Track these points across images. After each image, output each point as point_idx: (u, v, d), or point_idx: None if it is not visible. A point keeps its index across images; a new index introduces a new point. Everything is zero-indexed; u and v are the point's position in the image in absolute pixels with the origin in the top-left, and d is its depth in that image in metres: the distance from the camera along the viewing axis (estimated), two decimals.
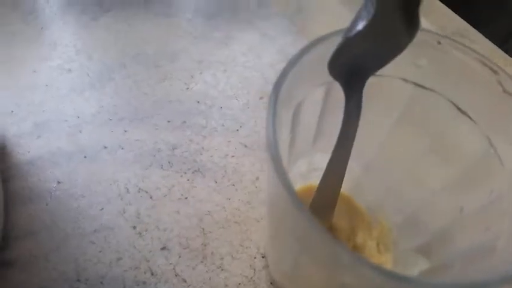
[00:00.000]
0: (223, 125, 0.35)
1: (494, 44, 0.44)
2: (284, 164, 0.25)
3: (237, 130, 0.35)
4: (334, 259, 0.17)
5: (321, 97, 0.23)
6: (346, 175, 0.27)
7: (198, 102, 0.37)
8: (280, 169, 0.16)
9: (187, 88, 0.38)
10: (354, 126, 0.22)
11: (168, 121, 0.35)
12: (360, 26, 0.17)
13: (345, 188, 0.29)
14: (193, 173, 0.33)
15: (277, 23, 0.43)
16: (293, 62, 0.19)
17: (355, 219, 0.30)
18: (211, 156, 0.34)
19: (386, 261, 0.28)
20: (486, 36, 0.44)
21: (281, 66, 0.18)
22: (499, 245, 0.20)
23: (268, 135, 0.17)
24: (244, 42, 0.42)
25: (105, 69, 0.38)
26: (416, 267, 0.26)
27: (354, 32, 0.18)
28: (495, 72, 0.20)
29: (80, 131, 0.34)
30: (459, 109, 0.22)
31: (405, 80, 0.23)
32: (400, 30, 0.18)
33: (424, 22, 0.41)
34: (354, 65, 0.19)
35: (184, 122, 0.35)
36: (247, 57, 0.41)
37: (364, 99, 0.22)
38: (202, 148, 0.34)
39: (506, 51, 0.43)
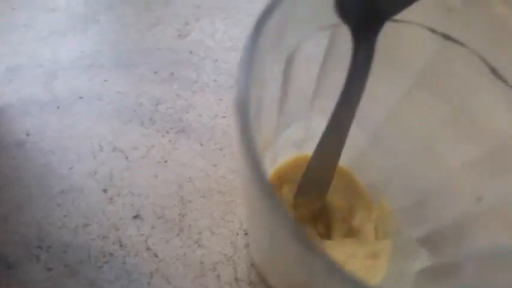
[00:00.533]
0: (215, 81, 0.31)
1: None
2: (269, 129, 0.21)
3: (231, 87, 0.31)
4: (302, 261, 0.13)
5: (322, 45, 0.20)
6: (347, 145, 0.24)
7: (191, 52, 0.33)
8: (250, 146, 0.12)
9: (180, 35, 0.34)
10: (361, 85, 0.18)
11: (155, 72, 0.32)
12: None
13: (345, 160, 0.26)
14: (176, 133, 0.29)
15: None
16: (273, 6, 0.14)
17: (353, 198, 0.27)
18: (199, 115, 0.30)
19: (383, 249, 0.25)
20: None
21: None
22: None
23: (239, 93, 0.12)
24: None
25: (91, 10, 0.34)
26: (417, 262, 0.23)
27: None
28: None
29: (56, 78, 0.31)
30: (495, 72, 0.18)
31: (432, 30, 0.19)
32: None
33: None
34: (368, 4, 0.17)
35: (173, 73, 0.32)
36: (252, 3, 0.36)
37: (376, 50, 0.19)
38: (190, 105, 0.30)
39: None
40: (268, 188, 0.11)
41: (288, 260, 0.17)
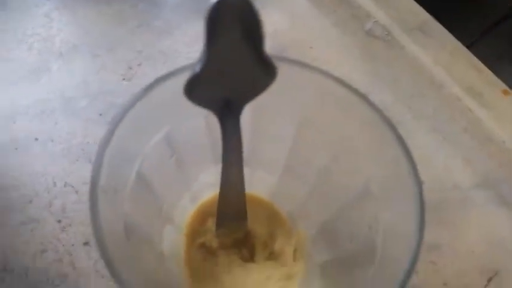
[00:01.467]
0: None
1: (462, 43, 0.48)
2: (170, 184, 0.29)
3: None
4: None
5: (201, 119, 0.27)
6: (263, 183, 0.33)
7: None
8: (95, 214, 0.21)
9: (124, 79, 0.43)
10: (237, 150, 0.25)
11: (100, 114, 0.40)
12: (198, 67, 0.20)
13: (266, 194, 0.34)
14: None
15: None
16: (135, 99, 0.23)
17: (275, 225, 0.35)
18: None
19: (299, 271, 0.33)
20: (454, 35, 0.48)
21: None
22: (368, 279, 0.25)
23: (90, 190, 0.22)
24: (188, 31, 0.46)
25: (42, 60, 0.43)
26: (314, 284, 0.31)
27: (194, 72, 0.20)
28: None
29: (14, 122, 0.40)
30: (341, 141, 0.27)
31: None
32: (252, 71, 0.21)
33: (383, 16, 0.46)
34: (217, 98, 0.22)
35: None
36: (191, 47, 0.45)
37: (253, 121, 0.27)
38: None
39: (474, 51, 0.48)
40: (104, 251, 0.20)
41: None
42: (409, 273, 0.21)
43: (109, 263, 0.20)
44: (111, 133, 0.21)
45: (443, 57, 0.46)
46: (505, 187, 0.39)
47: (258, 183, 0.30)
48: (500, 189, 0.39)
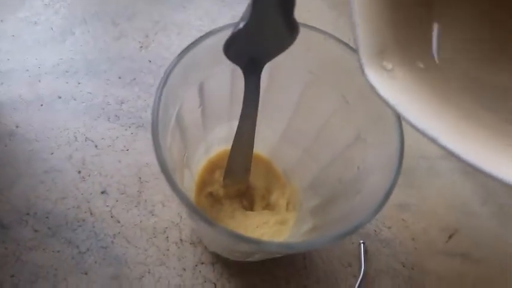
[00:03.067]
0: None
1: None
2: (195, 133, 0.28)
3: None
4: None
5: (228, 74, 0.26)
6: (264, 141, 0.31)
7: (150, 61, 0.39)
8: (159, 151, 0.19)
9: (141, 47, 0.40)
10: (255, 104, 0.24)
11: (119, 77, 0.38)
12: (241, 24, 0.20)
13: (265, 152, 0.33)
14: (137, 127, 0.36)
15: None
16: (190, 47, 0.22)
17: (272, 181, 0.34)
18: None
19: (291, 218, 0.32)
20: None
21: None
22: (351, 214, 0.23)
23: (153, 117, 0.20)
24: (200, 6, 0.43)
25: (67, 23, 0.40)
26: (305, 226, 0.29)
27: (237, 29, 0.20)
28: None
29: (39, 81, 0.37)
30: (343, 96, 0.26)
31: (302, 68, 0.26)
32: (280, 32, 0.21)
33: None
34: (246, 55, 0.22)
35: (134, 79, 0.38)
36: (203, 21, 0.42)
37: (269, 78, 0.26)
38: (148, 105, 0.37)
39: None
40: (172, 181, 0.19)
41: (198, 227, 0.24)
42: (390, 191, 0.20)
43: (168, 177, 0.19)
44: (166, 76, 0.21)
45: None
46: None
47: (260, 141, 0.28)
48: None
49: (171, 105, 0.23)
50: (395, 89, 0.18)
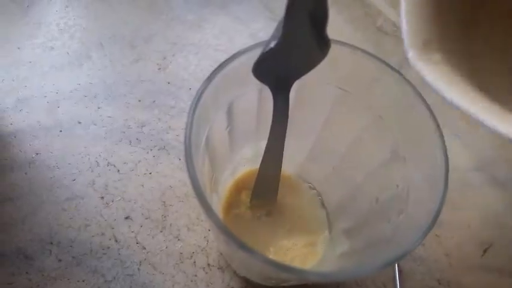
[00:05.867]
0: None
1: None
2: (222, 154, 0.28)
3: None
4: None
5: (256, 94, 0.26)
6: (291, 159, 0.31)
7: (169, 83, 0.39)
8: (193, 175, 0.19)
9: (160, 69, 0.40)
10: (284, 124, 0.24)
11: (139, 100, 0.38)
12: (272, 44, 0.20)
13: (293, 170, 0.33)
14: (159, 150, 0.36)
15: (251, 7, 0.45)
16: (220, 68, 0.22)
17: (299, 200, 0.33)
18: (177, 135, 0.37)
19: (321, 239, 0.32)
20: None
21: None
22: (394, 235, 0.23)
23: (185, 140, 0.20)
24: (217, 25, 0.44)
25: (84, 48, 0.41)
26: (339, 248, 0.29)
27: (267, 48, 0.20)
28: (405, 80, 0.23)
29: (58, 107, 0.37)
30: (375, 112, 0.25)
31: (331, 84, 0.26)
32: (311, 49, 0.21)
33: (393, 13, 0.43)
34: (275, 74, 0.22)
35: (154, 101, 0.38)
36: (220, 40, 0.43)
37: (297, 95, 0.25)
38: (169, 127, 0.37)
39: None
40: (205, 202, 0.19)
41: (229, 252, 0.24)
42: (438, 211, 0.20)
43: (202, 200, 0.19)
44: (197, 99, 0.21)
45: None
46: (498, 170, 0.38)
47: (286, 159, 0.28)
48: (494, 172, 0.38)
49: (202, 128, 0.23)
50: (441, 75, 0.19)
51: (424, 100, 0.22)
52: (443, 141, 0.22)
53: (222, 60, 0.22)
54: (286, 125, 0.25)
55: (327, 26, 0.19)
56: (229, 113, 0.26)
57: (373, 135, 0.26)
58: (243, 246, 0.19)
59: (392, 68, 0.23)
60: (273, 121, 0.24)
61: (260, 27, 0.44)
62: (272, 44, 0.20)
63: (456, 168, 0.37)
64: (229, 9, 0.45)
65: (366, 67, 0.24)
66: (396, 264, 0.33)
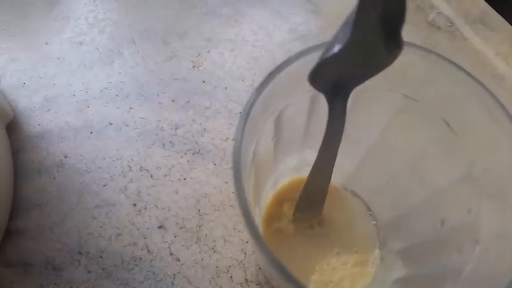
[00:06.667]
0: (226, 107, 0.36)
1: None
2: (267, 166, 0.26)
3: (240, 113, 0.36)
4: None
5: (307, 101, 0.24)
6: (340, 170, 0.28)
7: (204, 82, 0.37)
8: (242, 195, 0.17)
9: (194, 67, 0.38)
10: (339, 133, 0.22)
11: (173, 100, 0.36)
12: (336, 48, 0.18)
13: (341, 182, 0.31)
14: (193, 154, 0.34)
15: (291, 0, 0.43)
16: (271, 77, 0.20)
17: (347, 214, 0.31)
18: (213, 139, 0.35)
19: (371, 259, 0.30)
20: None
21: (292, 46, 0.20)
22: (466, 271, 0.20)
23: (234, 162, 0.18)
24: (254, 19, 0.41)
25: (114, 44, 0.39)
26: (394, 272, 0.27)
27: (330, 53, 0.18)
28: (488, 92, 0.20)
29: (88, 106, 0.36)
30: (447, 124, 0.23)
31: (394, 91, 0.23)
32: (380, 52, 0.18)
33: (446, 7, 0.40)
34: (334, 81, 0.20)
35: (189, 101, 0.36)
36: (257, 35, 0.41)
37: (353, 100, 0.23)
38: (204, 129, 0.35)
39: None
40: (249, 218, 0.17)
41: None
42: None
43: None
44: (247, 114, 0.19)
45: (504, 49, 0.40)
46: None
47: (335, 170, 0.26)
48: None
49: (250, 143, 0.21)
50: None
51: (501, 104, 0.20)
52: None
53: (260, 57, 0.20)
54: (341, 136, 0.22)
55: (402, 28, 0.17)
56: (277, 123, 0.24)
57: (442, 150, 0.24)
58: (293, 280, 0.17)
59: (471, 77, 0.21)
60: (326, 131, 0.22)
61: (301, 21, 0.41)
62: (336, 49, 0.18)
63: None
64: (267, 1, 0.43)
65: (440, 74, 0.21)
66: None
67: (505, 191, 0.20)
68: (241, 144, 0.18)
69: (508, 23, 0.42)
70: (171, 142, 0.35)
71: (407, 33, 0.41)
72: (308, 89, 0.21)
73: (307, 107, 0.24)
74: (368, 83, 0.20)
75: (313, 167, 0.25)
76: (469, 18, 0.42)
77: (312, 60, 0.19)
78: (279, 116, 0.23)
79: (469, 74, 0.20)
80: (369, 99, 0.24)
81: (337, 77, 0.20)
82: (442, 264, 0.23)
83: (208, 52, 0.39)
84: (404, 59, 0.20)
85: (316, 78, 0.19)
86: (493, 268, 0.19)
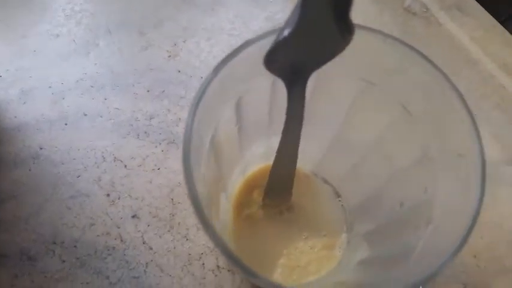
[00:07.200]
0: None
1: (498, 20, 0.43)
2: (231, 153, 0.27)
3: None
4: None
5: (268, 87, 0.24)
6: (307, 156, 0.29)
7: (179, 71, 0.38)
8: (190, 179, 0.18)
9: (170, 56, 0.39)
10: (299, 118, 0.23)
11: (148, 90, 0.37)
12: (287, 31, 0.18)
13: (309, 168, 0.32)
14: (168, 143, 0.35)
15: None
16: (225, 60, 0.20)
17: (315, 199, 0.32)
18: None
19: (339, 242, 0.30)
20: (490, 12, 0.43)
21: None
22: (418, 247, 0.21)
23: (184, 148, 0.18)
24: (231, 8, 0.42)
25: (91, 35, 0.40)
26: (358, 254, 0.28)
27: (281, 36, 0.18)
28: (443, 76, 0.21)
29: (63, 98, 0.36)
30: (404, 108, 0.23)
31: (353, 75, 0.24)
32: (331, 35, 0.19)
33: None
34: (290, 65, 0.20)
35: (164, 91, 0.37)
36: (234, 24, 0.41)
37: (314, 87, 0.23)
38: (179, 119, 0.36)
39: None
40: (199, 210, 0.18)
41: None
42: (473, 223, 0.19)
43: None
44: (199, 97, 0.20)
45: (478, 35, 0.40)
46: None
47: (302, 156, 0.26)
48: None
49: (206, 129, 0.22)
50: None
51: (458, 91, 0.20)
52: (479, 139, 0.20)
53: (236, 45, 0.20)
54: (302, 121, 0.23)
55: (351, 10, 0.17)
56: (238, 108, 0.24)
57: (401, 131, 0.25)
58: (247, 270, 0.18)
59: (423, 56, 0.21)
60: (287, 116, 0.23)
61: (278, 10, 0.42)
62: (286, 32, 0.18)
63: (487, 163, 0.35)
64: None
65: (393, 55, 0.22)
66: None
67: (457, 171, 0.21)
68: (191, 129, 0.19)
69: (483, 8, 0.43)
70: (145, 132, 0.35)
71: (384, 19, 0.41)
72: (269, 75, 0.21)
73: (269, 93, 0.25)
74: (327, 69, 0.21)
75: (277, 152, 0.25)
76: (444, 4, 0.42)
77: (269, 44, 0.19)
78: (239, 102, 0.24)
79: (420, 53, 0.21)
80: (330, 85, 0.24)
81: (292, 61, 0.20)
82: (401, 243, 0.24)
83: (184, 42, 0.40)
84: (362, 43, 0.21)
85: (271, 62, 0.20)
86: (442, 243, 0.19)
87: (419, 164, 0.24)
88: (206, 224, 0.18)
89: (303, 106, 0.22)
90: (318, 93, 0.25)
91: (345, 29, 0.18)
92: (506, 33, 0.42)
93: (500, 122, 0.38)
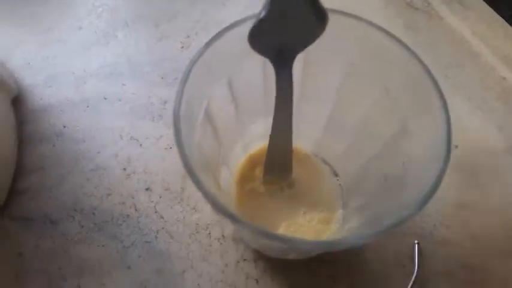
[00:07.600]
0: None
1: (499, 13, 0.45)
2: (229, 128, 0.29)
3: None
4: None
5: (259, 68, 0.26)
6: (307, 136, 0.32)
7: None
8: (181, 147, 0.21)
9: (183, 47, 0.42)
10: (288, 96, 0.25)
11: (162, 77, 0.40)
12: (262, 13, 0.21)
13: (309, 147, 0.34)
14: None
15: None
16: (208, 43, 0.23)
17: (316, 177, 0.34)
18: None
19: (336, 217, 0.32)
20: (492, 7, 0.45)
21: None
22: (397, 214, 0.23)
23: (174, 113, 0.21)
24: (241, 2, 0.45)
25: (110, 27, 0.44)
26: (348, 225, 0.30)
27: (258, 18, 0.21)
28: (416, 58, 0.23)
29: (85, 83, 0.40)
30: (386, 87, 0.26)
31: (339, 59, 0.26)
32: (306, 20, 0.21)
33: None
34: (273, 46, 0.23)
35: (176, 78, 0.40)
36: (243, 17, 0.44)
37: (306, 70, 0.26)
38: None
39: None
40: (196, 180, 0.20)
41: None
42: (437, 182, 0.20)
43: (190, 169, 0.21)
44: (188, 71, 0.22)
45: (480, 28, 0.43)
46: None
47: (302, 136, 0.30)
48: None
49: (197, 101, 0.24)
50: None
51: (429, 72, 0.23)
52: (446, 111, 0.22)
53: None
54: (291, 99, 0.25)
55: None
56: (231, 86, 0.26)
57: (382, 109, 0.27)
58: (228, 214, 0.19)
59: (398, 41, 0.23)
60: (276, 96, 0.25)
61: None
62: (262, 15, 0.21)
63: (488, 151, 0.37)
64: None
65: (373, 39, 0.24)
66: (416, 245, 0.33)
67: (430, 139, 0.23)
68: (180, 101, 0.21)
69: (484, 2, 0.45)
70: (160, 115, 0.39)
71: (387, 13, 0.44)
72: (258, 56, 0.23)
73: (261, 73, 0.27)
74: (315, 51, 0.23)
75: (272, 131, 0.27)
76: None
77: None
78: (230, 80, 0.26)
79: (395, 37, 0.23)
80: (319, 66, 0.27)
81: (275, 41, 0.22)
82: (380, 211, 0.26)
83: (196, 34, 0.43)
84: (343, 27, 0.24)
85: (255, 41, 0.22)
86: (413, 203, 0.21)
87: (399, 138, 0.26)
88: (193, 176, 0.20)
89: (291, 86, 0.24)
90: (308, 76, 0.27)
91: (317, 14, 0.21)
92: (507, 26, 0.44)
93: (502, 112, 0.39)
